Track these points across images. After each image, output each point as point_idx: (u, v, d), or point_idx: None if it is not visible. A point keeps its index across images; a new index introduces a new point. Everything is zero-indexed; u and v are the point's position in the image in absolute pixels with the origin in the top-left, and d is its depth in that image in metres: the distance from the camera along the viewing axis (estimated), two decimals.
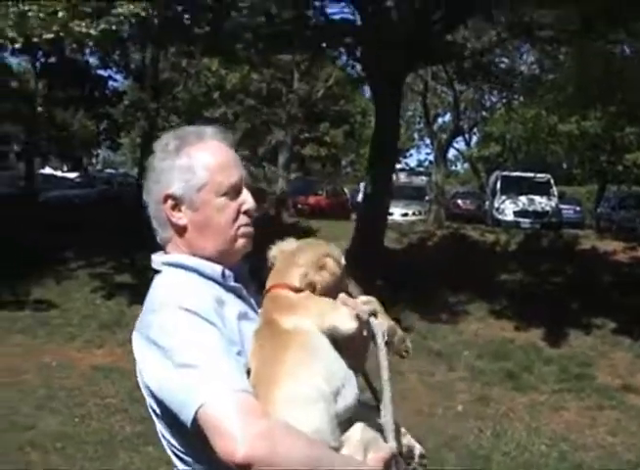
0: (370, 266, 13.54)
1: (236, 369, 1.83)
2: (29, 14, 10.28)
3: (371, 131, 48.72)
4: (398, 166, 40.54)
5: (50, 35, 10.49)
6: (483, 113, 33.17)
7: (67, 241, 15.26)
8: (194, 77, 33.65)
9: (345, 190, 36.25)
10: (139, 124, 27.59)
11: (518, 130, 36.27)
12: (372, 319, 2.03)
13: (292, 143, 30.18)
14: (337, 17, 17.78)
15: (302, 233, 21.55)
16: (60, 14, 10.36)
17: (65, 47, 13.34)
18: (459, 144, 52.61)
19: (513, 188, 27.67)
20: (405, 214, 27.76)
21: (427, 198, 28.64)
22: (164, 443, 2.03)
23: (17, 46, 11.74)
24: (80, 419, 8.24)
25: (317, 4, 16.46)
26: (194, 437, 1.81)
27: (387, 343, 2.07)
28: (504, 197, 27.67)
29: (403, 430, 2.16)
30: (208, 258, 2.07)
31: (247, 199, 2.13)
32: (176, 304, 1.91)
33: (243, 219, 2.11)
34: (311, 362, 1.91)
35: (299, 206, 30.06)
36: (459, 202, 32.76)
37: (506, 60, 26.31)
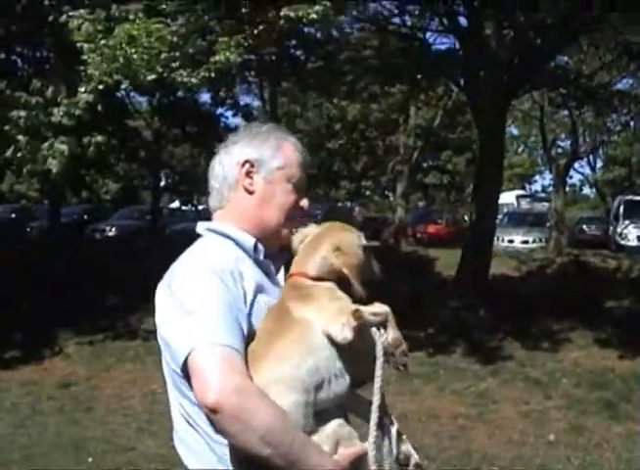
0: (475, 294, 13.55)
1: (233, 328, 2.01)
2: (134, 56, 10.90)
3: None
4: (520, 193, 39.98)
5: (153, 76, 11.10)
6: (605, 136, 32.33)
7: None
8: (313, 110, 34.30)
9: (466, 218, 35.91)
10: None
11: None
12: (374, 330, 2.12)
13: (409, 172, 30.22)
14: (442, 47, 18.12)
15: (420, 261, 21.72)
16: (162, 56, 10.93)
17: (178, 87, 13.94)
18: (584, 168, 51.42)
19: (637, 212, 26.78)
20: (525, 242, 27.28)
21: (547, 224, 28.10)
22: (172, 396, 2.20)
23: (123, 87, 12.54)
24: None
25: (420, 35, 16.76)
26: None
27: (391, 354, 2.16)
28: (627, 222, 26.84)
29: (404, 437, 2.27)
30: (251, 230, 2.28)
31: (305, 200, 2.37)
32: (201, 263, 2.14)
33: (298, 213, 2.35)
34: (299, 354, 2.04)
35: (419, 234, 30.06)
36: (584, 227, 31.90)
37: (630, 81, 25.72)
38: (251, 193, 2.30)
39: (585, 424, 9.25)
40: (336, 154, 42.26)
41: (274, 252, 2.35)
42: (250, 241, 2.26)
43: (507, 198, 37.82)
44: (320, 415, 2.05)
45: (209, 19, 11.13)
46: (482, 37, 13.41)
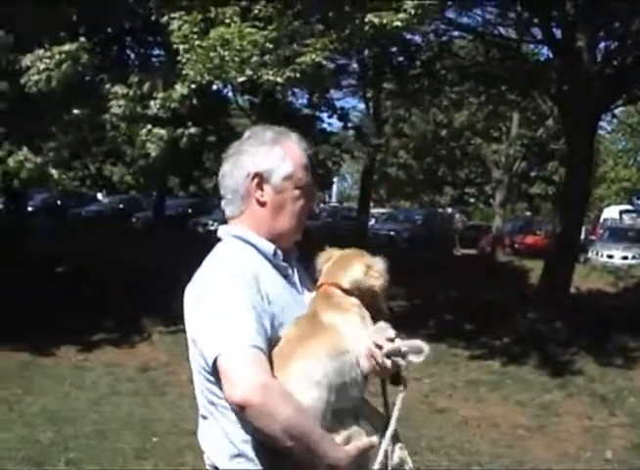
0: (554, 307, 13.49)
1: (257, 329, 2.19)
2: (227, 58, 11.32)
3: (604, 170, 46.77)
4: (624, 208, 38.93)
5: (243, 78, 11.52)
6: None
7: None
8: (419, 115, 34.23)
9: None
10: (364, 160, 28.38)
11: None
12: (400, 360, 2.32)
13: (510, 181, 29.96)
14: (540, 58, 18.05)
15: (513, 272, 21.59)
16: (253, 58, 11.32)
17: (270, 88, 14.29)
18: None
19: None
20: (625, 257, 26.74)
21: None
22: (198, 390, 2.42)
23: (214, 87, 13.04)
24: None
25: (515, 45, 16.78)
26: (219, 383, 2.23)
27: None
28: None
29: (402, 444, 2.45)
30: (267, 237, 2.45)
31: (313, 199, 2.58)
32: (225, 268, 2.33)
33: (305, 215, 2.52)
34: (327, 354, 2.27)
35: (516, 245, 29.75)
36: None
37: None
38: (262, 204, 2.46)
39: None
40: (441, 160, 42.14)
41: (288, 247, 2.55)
42: (269, 247, 2.44)
43: (611, 212, 36.96)
44: (336, 414, 2.27)
45: (300, 24, 11.44)
46: (575, 49, 13.31)
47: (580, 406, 10.37)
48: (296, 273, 2.56)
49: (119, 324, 14.18)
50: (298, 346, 2.26)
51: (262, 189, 2.45)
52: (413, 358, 2.30)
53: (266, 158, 2.45)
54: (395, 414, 2.37)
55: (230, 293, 2.25)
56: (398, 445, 2.42)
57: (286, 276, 2.49)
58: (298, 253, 2.64)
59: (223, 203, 2.54)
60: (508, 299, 15.50)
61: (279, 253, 2.46)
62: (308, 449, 2.14)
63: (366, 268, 2.43)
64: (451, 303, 15.66)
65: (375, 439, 2.33)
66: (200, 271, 2.40)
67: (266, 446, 2.19)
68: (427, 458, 8.39)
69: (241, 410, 2.10)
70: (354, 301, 2.40)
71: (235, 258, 2.38)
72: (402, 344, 2.31)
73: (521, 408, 10.39)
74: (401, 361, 2.30)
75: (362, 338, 2.32)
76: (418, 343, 2.32)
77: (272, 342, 2.27)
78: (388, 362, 2.29)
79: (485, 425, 9.77)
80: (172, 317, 14.33)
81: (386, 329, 2.34)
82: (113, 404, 10.02)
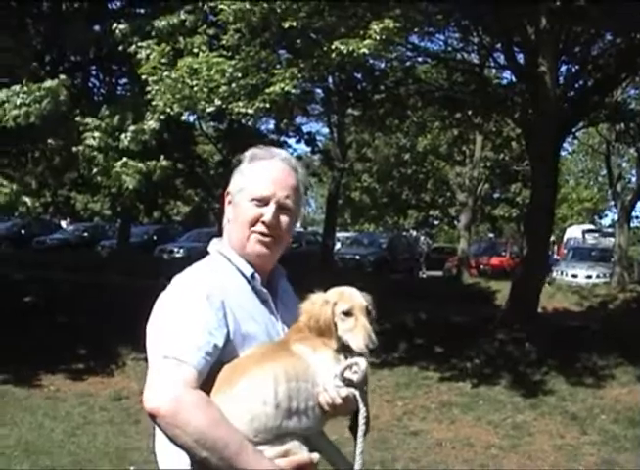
0: (523, 328, 13.66)
1: (197, 346, 2.21)
2: (195, 88, 11.40)
3: (566, 191, 47.16)
4: (587, 227, 39.43)
5: (212, 109, 11.60)
6: None
7: None
8: (382, 138, 34.47)
9: None
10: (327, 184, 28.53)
11: None
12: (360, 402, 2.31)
13: (474, 203, 30.24)
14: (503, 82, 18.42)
15: (480, 293, 21.78)
16: (222, 88, 11.40)
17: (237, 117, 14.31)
18: None
19: None
20: (589, 277, 27.08)
21: (612, 260, 27.78)
22: None
23: (183, 118, 13.09)
24: None
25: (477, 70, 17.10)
26: None
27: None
28: None
29: None
30: (238, 254, 2.47)
31: (268, 212, 2.46)
32: (197, 282, 2.36)
33: (259, 227, 2.46)
34: (285, 375, 2.26)
35: (482, 266, 30.01)
36: None
37: None
38: (228, 219, 2.54)
39: (617, 460, 9.31)
40: (405, 183, 42.37)
41: (264, 271, 2.53)
42: (248, 270, 2.46)
43: (574, 232, 37.44)
44: (282, 435, 2.25)
45: (267, 53, 11.57)
46: (537, 73, 13.58)
47: (552, 425, 10.51)
48: (279, 304, 2.56)
49: (91, 353, 14.10)
50: (255, 363, 2.27)
51: (229, 206, 2.54)
52: (350, 376, 2.29)
53: (236, 176, 2.54)
54: (359, 450, 2.34)
55: (189, 307, 2.28)
56: None
57: (264, 301, 2.50)
58: (287, 281, 2.67)
59: None
60: (476, 320, 15.63)
61: (257, 277, 2.47)
62: (224, 460, 2.14)
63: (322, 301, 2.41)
64: (420, 326, 15.74)
65: (316, 455, 2.31)
66: (176, 279, 2.42)
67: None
68: None
69: (151, 419, 2.15)
70: (328, 343, 2.36)
71: (212, 275, 2.41)
72: (343, 364, 2.31)
73: (494, 428, 10.50)
74: (352, 391, 2.30)
75: (327, 374, 2.33)
76: (355, 360, 2.31)
77: (229, 360, 2.30)
78: (332, 393, 2.29)
79: (459, 446, 9.87)
80: (143, 345, 14.31)
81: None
82: (88, 434, 9.97)
